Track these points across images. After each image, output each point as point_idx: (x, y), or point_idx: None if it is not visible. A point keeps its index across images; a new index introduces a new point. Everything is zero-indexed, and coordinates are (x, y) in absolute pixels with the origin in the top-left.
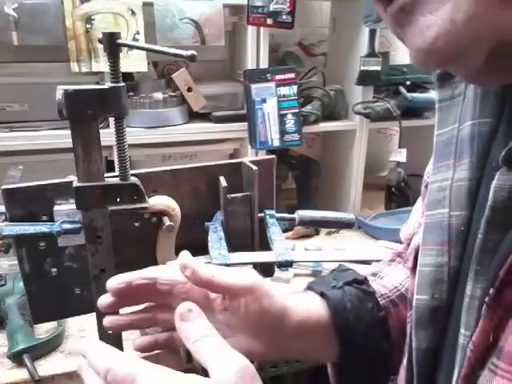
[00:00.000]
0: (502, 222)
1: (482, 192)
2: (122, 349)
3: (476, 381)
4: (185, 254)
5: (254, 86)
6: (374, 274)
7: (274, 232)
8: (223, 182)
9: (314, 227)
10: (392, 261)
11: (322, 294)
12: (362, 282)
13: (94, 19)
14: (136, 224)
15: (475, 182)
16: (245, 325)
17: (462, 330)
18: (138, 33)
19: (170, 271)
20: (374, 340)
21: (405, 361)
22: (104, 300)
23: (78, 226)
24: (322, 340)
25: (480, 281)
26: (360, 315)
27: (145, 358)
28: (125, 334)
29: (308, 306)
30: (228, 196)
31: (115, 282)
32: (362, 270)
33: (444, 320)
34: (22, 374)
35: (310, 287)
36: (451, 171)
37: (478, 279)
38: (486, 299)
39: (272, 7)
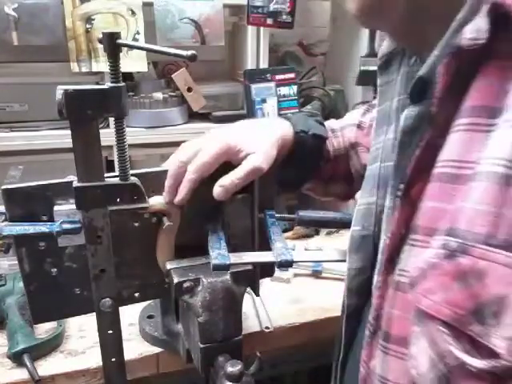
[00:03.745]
0: (409, 142)
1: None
2: (121, 349)
3: (397, 260)
4: None
5: (254, 86)
6: (333, 131)
7: (274, 232)
8: None
9: (314, 227)
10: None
11: (296, 133)
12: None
13: (93, 19)
14: (136, 224)
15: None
16: None
17: (384, 237)
18: (138, 33)
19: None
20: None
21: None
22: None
23: (78, 225)
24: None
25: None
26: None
27: (144, 358)
28: (125, 335)
29: (287, 132)
30: None
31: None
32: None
33: (372, 246)
34: (22, 374)
35: (289, 119)
36: (384, 134)
37: (393, 193)
38: (399, 193)
39: (272, 7)
